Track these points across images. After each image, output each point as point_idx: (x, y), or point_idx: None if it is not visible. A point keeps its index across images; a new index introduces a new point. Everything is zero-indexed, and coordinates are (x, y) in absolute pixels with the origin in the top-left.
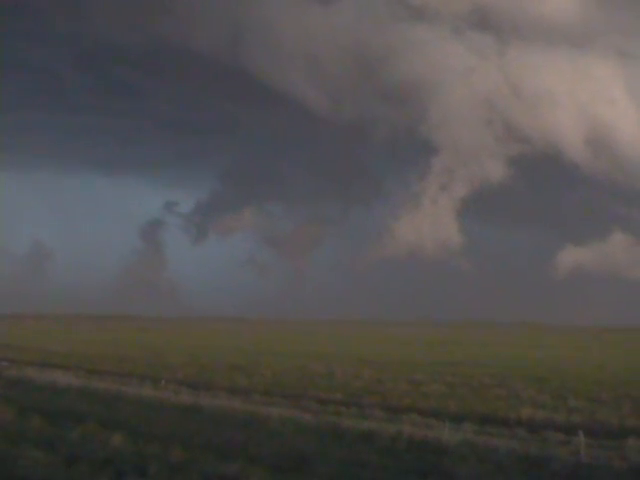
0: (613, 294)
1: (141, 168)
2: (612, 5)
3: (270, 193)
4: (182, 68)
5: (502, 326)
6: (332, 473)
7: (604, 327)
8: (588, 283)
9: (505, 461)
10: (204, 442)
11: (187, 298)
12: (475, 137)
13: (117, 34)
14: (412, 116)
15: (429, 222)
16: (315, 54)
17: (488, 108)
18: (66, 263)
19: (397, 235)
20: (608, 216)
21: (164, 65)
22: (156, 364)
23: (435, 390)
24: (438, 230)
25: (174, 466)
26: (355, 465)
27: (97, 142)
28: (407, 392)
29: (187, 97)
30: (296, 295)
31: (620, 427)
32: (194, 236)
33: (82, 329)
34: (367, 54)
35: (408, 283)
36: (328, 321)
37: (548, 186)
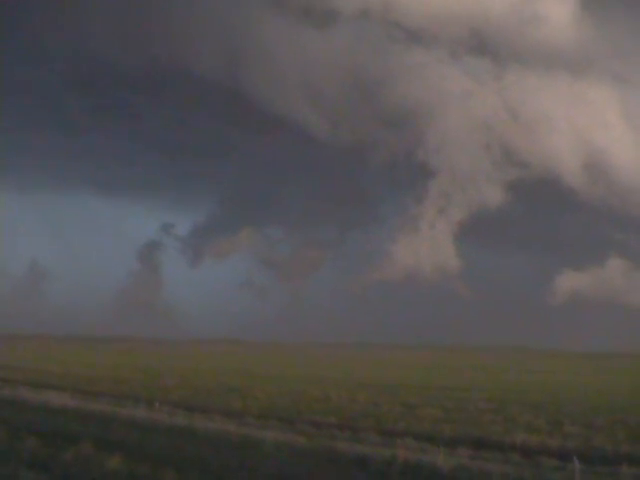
0: (610, 319)
1: (138, 190)
2: (609, 30)
3: (268, 216)
4: (181, 91)
5: (499, 350)
6: None
7: (601, 352)
8: (585, 308)
9: None
10: (198, 465)
11: (183, 320)
12: (472, 161)
13: (116, 57)
14: (410, 140)
15: (427, 245)
16: (313, 77)
17: (486, 132)
18: (63, 284)
19: (395, 258)
20: (605, 241)
21: (163, 88)
22: (151, 386)
23: (430, 414)
24: (435, 254)
25: None
26: None
27: (95, 164)
28: (402, 416)
29: (185, 120)
30: (293, 318)
31: (615, 453)
32: (191, 258)
33: (77, 350)
34: (365, 78)
35: (405, 306)
36: (325, 344)
37: (546, 211)
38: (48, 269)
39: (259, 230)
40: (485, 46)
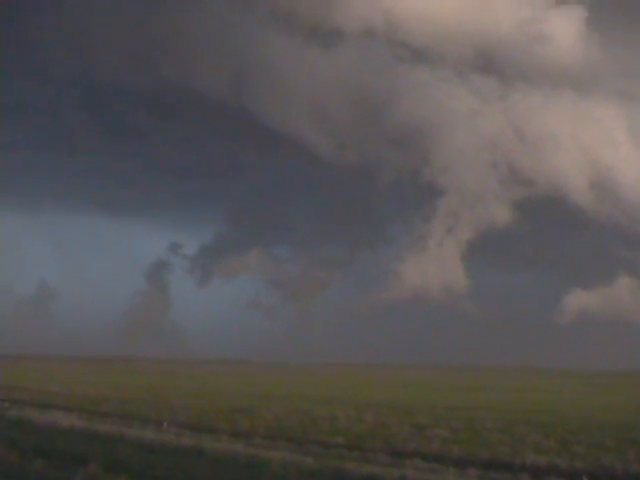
0: (619, 338)
1: (146, 210)
2: (615, 48)
3: (275, 236)
4: (187, 111)
5: (507, 370)
6: None
7: (609, 371)
8: (593, 327)
9: None
10: None
11: (191, 340)
12: (480, 180)
13: (120, 76)
14: (417, 159)
15: (434, 265)
16: (319, 97)
17: (492, 151)
18: (70, 304)
19: (402, 278)
20: (613, 260)
21: (169, 108)
22: (159, 406)
23: (439, 434)
24: (443, 273)
25: None
26: None
27: (102, 184)
28: (411, 436)
29: (192, 140)
30: (301, 338)
31: (624, 472)
32: (199, 278)
33: (85, 370)
34: (371, 97)
35: (413, 326)
36: (333, 364)
37: (553, 230)
38: (56, 289)
39: (267, 250)
40: (491, 65)
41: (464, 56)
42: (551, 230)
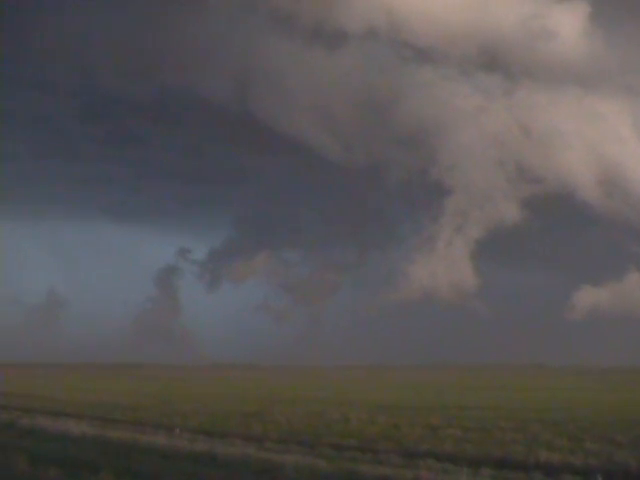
0: (630, 335)
1: (154, 216)
2: (620, 43)
3: (284, 239)
4: (192, 117)
5: (518, 369)
6: None
7: (621, 368)
8: (604, 324)
9: None
10: None
11: (201, 345)
12: (487, 178)
13: (124, 84)
14: (423, 158)
15: (444, 264)
16: (324, 99)
17: (499, 149)
18: (80, 312)
19: (412, 278)
20: (624, 256)
21: (174, 115)
22: (170, 412)
23: (451, 434)
24: (453, 272)
25: None
26: None
27: (109, 191)
28: (423, 437)
29: (198, 146)
30: (311, 341)
31: (639, 469)
32: (208, 283)
33: (95, 377)
34: (375, 97)
35: (423, 326)
36: (343, 367)
37: (562, 226)
38: (65, 297)
39: (276, 253)
40: (495, 62)
41: (468, 54)
42: (560, 227)
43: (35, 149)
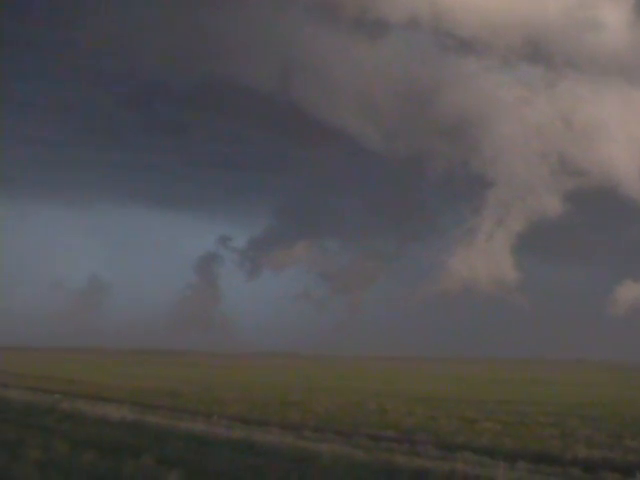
0: None
1: (196, 204)
2: None
3: (324, 229)
4: (235, 106)
5: (558, 363)
6: None
7: None
8: None
9: None
10: (257, 478)
11: (240, 333)
12: (529, 170)
13: (167, 72)
14: (465, 150)
15: (484, 257)
16: (366, 88)
17: (541, 141)
18: (121, 297)
19: (452, 270)
20: None
21: (217, 103)
22: (209, 399)
23: (489, 428)
24: (493, 265)
25: None
26: None
27: (151, 178)
28: (460, 430)
29: (241, 134)
30: (350, 331)
31: None
32: (248, 271)
33: (135, 363)
34: (418, 88)
35: (462, 319)
36: (382, 357)
37: (605, 220)
38: (107, 283)
39: (316, 242)
40: (539, 53)
41: (511, 45)
42: (602, 221)
43: (78, 137)
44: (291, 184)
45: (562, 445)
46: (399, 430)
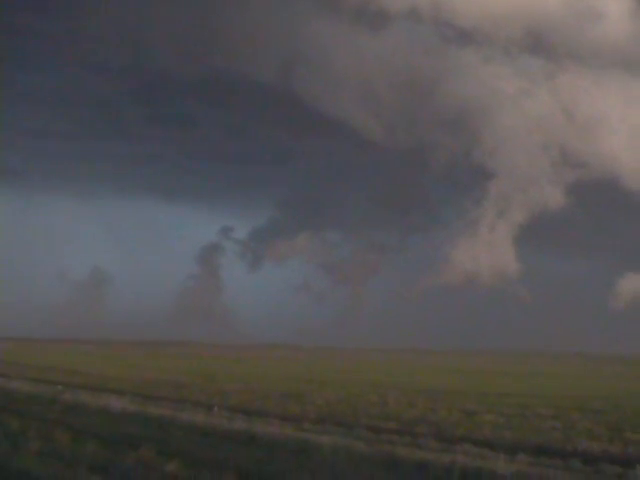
0: None
1: (198, 196)
2: None
3: (326, 220)
4: (238, 98)
5: (559, 356)
6: None
7: None
8: None
9: None
10: (257, 469)
11: (242, 324)
12: (531, 162)
13: (174, 66)
14: (467, 141)
15: (486, 249)
16: (367, 80)
17: (542, 132)
18: (124, 288)
19: (454, 262)
20: None
21: (220, 95)
22: (210, 390)
23: (489, 420)
24: (495, 257)
25: None
26: None
27: (155, 170)
28: (461, 422)
29: (243, 126)
30: (352, 323)
31: None
32: (250, 262)
33: (137, 354)
34: (419, 79)
35: (464, 311)
36: (383, 349)
37: (606, 213)
38: (109, 274)
39: (318, 234)
40: (540, 44)
41: (512, 36)
42: (604, 213)
43: (84, 128)
44: (294, 175)
45: (562, 437)
46: (400, 422)
